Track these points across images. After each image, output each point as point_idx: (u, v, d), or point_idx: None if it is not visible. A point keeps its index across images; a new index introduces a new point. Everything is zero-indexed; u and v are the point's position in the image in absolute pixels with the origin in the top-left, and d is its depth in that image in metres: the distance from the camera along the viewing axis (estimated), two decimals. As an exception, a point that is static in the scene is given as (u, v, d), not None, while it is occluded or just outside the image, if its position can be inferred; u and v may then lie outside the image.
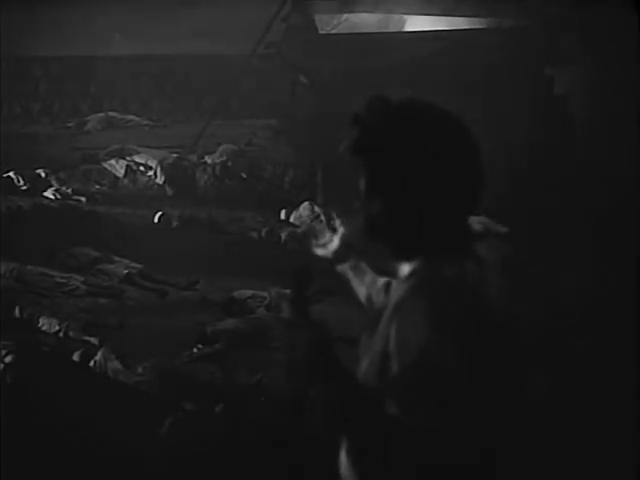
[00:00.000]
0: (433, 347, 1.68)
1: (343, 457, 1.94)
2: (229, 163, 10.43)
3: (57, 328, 6.60)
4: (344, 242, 2.38)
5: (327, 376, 1.76)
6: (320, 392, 1.78)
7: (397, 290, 1.87)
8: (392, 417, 1.69)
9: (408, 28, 10.02)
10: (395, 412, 1.68)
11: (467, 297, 1.78)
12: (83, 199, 9.68)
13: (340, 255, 2.39)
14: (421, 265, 1.84)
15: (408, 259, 1.87)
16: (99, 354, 6.04)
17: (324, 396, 1.78)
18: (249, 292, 7.19)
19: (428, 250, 1.84)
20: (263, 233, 8.89)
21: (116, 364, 5.95)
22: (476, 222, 1.90)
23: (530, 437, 1.92)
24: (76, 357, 6.08)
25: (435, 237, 1.84)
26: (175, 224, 9.13)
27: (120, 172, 10.39)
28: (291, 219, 9.29)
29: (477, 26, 9.84)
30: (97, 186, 10.24)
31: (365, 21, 10.01)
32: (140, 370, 5.88)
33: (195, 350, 6.36)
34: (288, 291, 1.91)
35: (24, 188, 9.77)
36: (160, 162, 10.28)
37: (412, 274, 1.85)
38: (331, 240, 2.40)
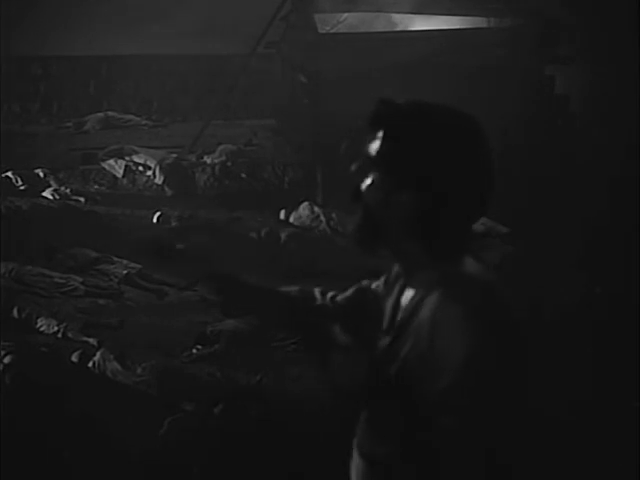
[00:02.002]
0: (479, 351, 1.69)
1: (356, 458, 1.95)
2: (229, 163, 10.42)
3: (56, 329, 6.59)
4: None
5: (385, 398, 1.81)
6: (376, 411, 1.88)
7: (427, 300, 1.83)
8: (445, 426, 1.70)
9: (408, 27, 10.01)
10: (450, 422, 1.70)
11: (494, 295, 1.78)
12: (82, 199, 9.65)
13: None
14: (444, 271, 1.81)
15: (432, 259, 1.84)
16: (98, 355, 6.03)
17: (382, 415, 1.86)
18: (249, 292, 7.17)
19: (449, 255, 1.83)
20: (263, 233, 8.87)
21: (115, 365, 5.94)
22: (477, 222, 1.88)
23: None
24: (75, 358, 6.06)
25: (455, 240, 1.83)
26: (174, 224, 9.11)
27: (119, 172, 10.37)
28: (291, 219, 9.27)
29: (477, 26, 9.84)
30: (96, 186, 10.23)
31: (365, 21, 10.00)
32: (139, 370, 5.87)
33: (195, 350, 6.35)
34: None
35: (23, 188, 9.75)
36: (159, 162, 10.26)
37: (438, 282, 1.80)
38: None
